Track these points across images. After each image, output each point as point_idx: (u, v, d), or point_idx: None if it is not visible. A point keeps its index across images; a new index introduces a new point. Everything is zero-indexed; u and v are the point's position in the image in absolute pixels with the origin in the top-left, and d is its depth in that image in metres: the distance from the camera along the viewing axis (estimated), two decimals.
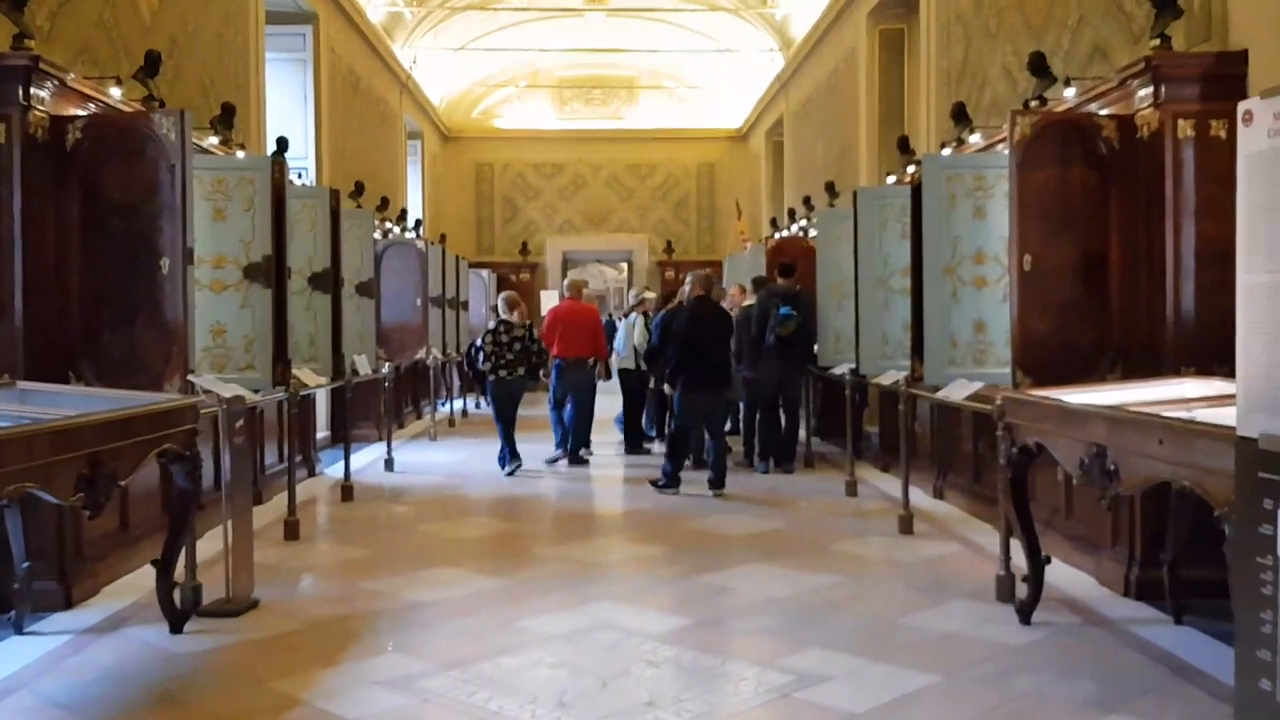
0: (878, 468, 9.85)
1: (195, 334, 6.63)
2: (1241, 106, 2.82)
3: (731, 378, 9.33)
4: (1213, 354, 5.31)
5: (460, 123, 21.89)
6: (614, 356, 11.23)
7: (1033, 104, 6.68)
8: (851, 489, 8.50)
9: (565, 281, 11.38)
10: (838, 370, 9.22)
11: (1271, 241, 2.69)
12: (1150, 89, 5.38)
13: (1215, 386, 4.64)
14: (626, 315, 11.41)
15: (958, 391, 6.21)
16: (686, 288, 9.26)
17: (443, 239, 16.54)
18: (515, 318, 9.86)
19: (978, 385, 6.16)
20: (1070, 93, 6.13)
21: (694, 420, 8.88)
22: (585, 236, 22.45)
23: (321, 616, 5.20)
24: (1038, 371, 5.49)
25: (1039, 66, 6.83)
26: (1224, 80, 5.28)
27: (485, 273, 19.35)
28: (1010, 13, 8.33)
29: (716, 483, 8.62)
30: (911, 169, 8.77)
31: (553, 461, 10.31)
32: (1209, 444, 3.17)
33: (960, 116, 8.29)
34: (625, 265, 23.20)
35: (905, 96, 12.36)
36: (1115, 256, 5.60)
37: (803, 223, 13.60)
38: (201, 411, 5.17)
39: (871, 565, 6.23)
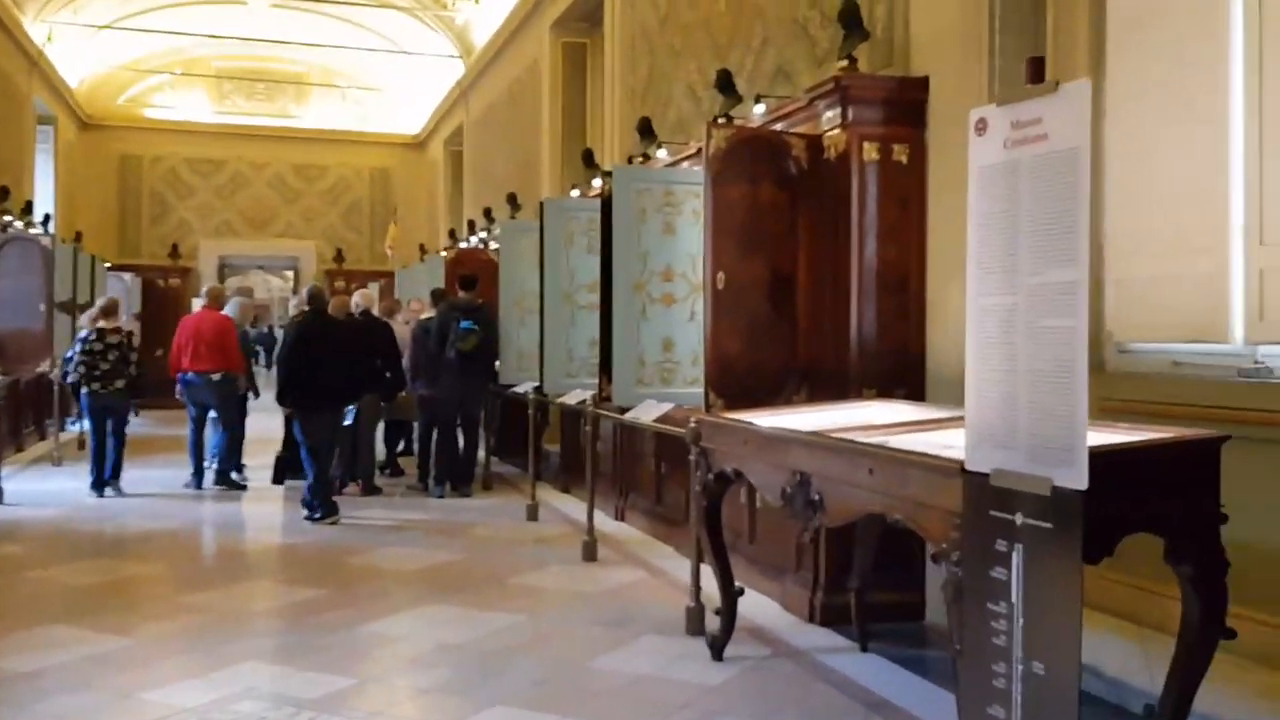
0: (558, 488, 9.53)
1: None
2: (975, 114, 2.62)
3: (356, 393, 8.72)
4: (892, 377, 5.34)
5: (103, 109, 19.68)
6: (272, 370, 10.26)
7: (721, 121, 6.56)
8: (532, 513, 8.09)
9: (204, 289, 10.29)
10: (521, 389, 8.81)
11: (1007, 261, 2.49)
12: (837, 110, 5.34)
13: (902, 411, 4.58)
14: (286, 328, 10.44)
15: (647, 413, 5.94)
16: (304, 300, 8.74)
17: (78, 237, 14.70)
18: (110, 325, 8.87)
19: (667, 406, 5.92)
20: (759, 110, 6.04)
21: (321, 440, 8.11)
22: (246, 240, 20.81)
23: None
24: (729, 392, 5.29)
25: (726, 84, 6.73)
26: (907, 105, 5.33)
27: (128, 276, 17.44)
28: (695, 31, 8.27)
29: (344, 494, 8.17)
30: (598, 182, 8.55)
31: (188, 486, 9.38)
32: (926, 476, 2.97)
33: (646, 132, 8.13)
34: (291, 273, 21.72)
35: (589, 110, 12.21)
36: (803, 277, 5.52)
37: (483, 234, 13.13)
38: None
39: (555, 599, 5.81)
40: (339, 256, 20.52)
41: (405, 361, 9.64)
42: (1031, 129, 2.44)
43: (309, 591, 5.92)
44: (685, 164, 6.99)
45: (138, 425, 11.15)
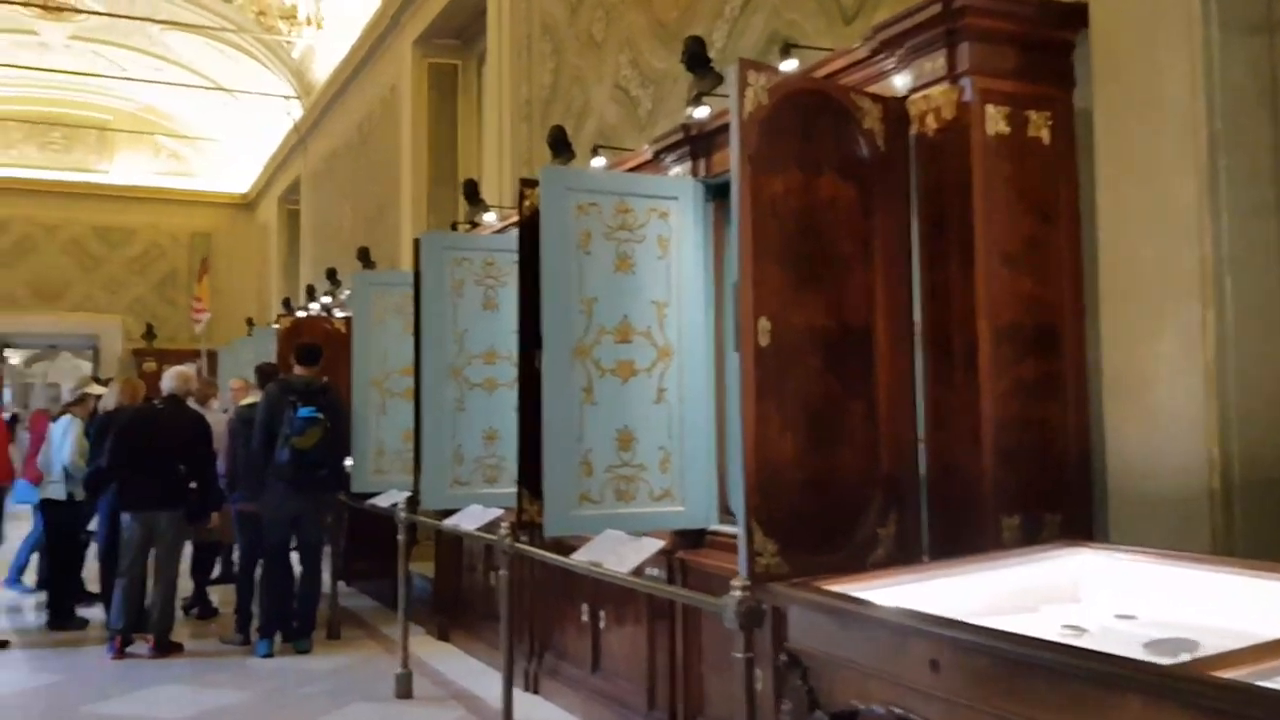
0: (433, 634, 7.03)
1: None
2: None
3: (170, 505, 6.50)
4: (1040, 492, 3.21)
5: None
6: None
7: (694, 111, 4.43)
8: (404, 685, 5.60)
9: None
10: (383, 501, 6.33)
11: None
12: (940, 54, 3.24)
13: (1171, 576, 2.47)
14: (56, 418, 7.69)
15: (619, 556, 3.62)
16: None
17: None
18: None
19: (655, 546, 3.62)
20: (790, 66, 3.90)
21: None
22: (33, 315, 17.49)
23: None
24: (785, 530, 3.03)
25: (697, 58, 4.63)
26: (1049, 49, 3.29)
27: None
28: (626, 11, 6.16)
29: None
30: (492, 216, 6.33)
31: None
32: None
33: (560, 145, 5.95)
34: (91, 353, 18.44)
35: (460, 146, 9.95)
36: (883, 329, 3.34)
37: (326, 300, 10.62)
38: None
39: None
40: (149, 333, 17.43)
41: (220, 465, 7.07)
42: None
43: None
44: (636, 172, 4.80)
45: None
